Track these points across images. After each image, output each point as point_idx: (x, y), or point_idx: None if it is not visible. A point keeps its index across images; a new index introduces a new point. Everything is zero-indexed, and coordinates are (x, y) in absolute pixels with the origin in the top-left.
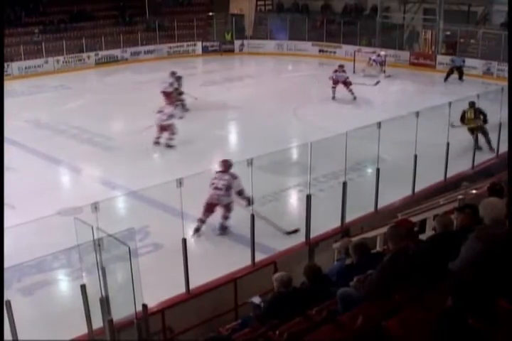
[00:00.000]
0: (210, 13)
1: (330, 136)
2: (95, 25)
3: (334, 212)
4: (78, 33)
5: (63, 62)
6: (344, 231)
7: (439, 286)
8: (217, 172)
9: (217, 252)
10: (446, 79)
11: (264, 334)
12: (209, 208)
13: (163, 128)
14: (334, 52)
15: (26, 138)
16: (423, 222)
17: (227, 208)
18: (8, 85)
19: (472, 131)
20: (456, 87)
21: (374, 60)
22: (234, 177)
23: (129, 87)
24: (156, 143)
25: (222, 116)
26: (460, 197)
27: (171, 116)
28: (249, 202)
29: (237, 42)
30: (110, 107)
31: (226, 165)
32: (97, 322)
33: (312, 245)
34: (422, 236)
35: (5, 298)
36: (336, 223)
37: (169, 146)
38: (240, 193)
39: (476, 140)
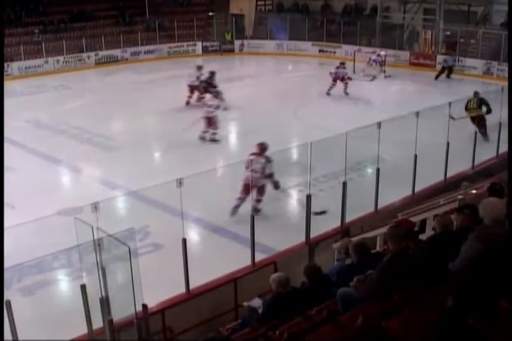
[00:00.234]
0: (210, 13)
1: (330, 136)
2: (95, 25)
3: (334, 212)
4: (78, 33)
5: (63, 62)
6: (344, 231)
7: (439, 286)
8: (252, 154)
9: (217, 252)
10: (436, 77)
11: (264, 334)
12: (246, 189)
13: (209, 122)
14: (334, 52)
15: (26, 138)
16: (423, 222)
17: (261, 191)
18: (8, 85)
19: (473, 119)
20: (456, 87)
21: (374, 60)
22: (269, 160)
23: (129, 87)
24: (202, 138)
25: (223, 116)
26: (460, 197)
27: (217, 108)
28: (277, 185)
29: (237, 42)
30: (110, 107)
31: (262, 148)
32: (97, 322)
33: (312, 245)
34: (422, 236)
35: (5, 298)
36: (336, 223)
37: (214, 141)
38: (271, 176)
39: (479, 128)
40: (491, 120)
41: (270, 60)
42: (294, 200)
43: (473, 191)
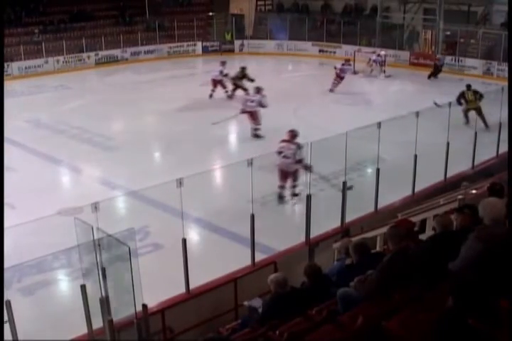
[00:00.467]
0: (210, 13)
1: (330, 136)
2: (95, 25)
3: (334, 212)
4: (78, 33)
5: (63, 62)
6: (344, 231)
7: (439, 286)
8: (282, 141)
9: (217, 252)
10: (429, 76)
11: (264, 334)
12: (283, 175)
13: (252, 117)
14: (334, 52)
15: (26, 138)
16: (423, 222)
17: (295, 176)
18: (8, 85)
19: (468, 110)
20: (456, 87)
21: (374, 60)
22: (299, 146)
23: (129, 86)
24: (256, 135)
25: (223, 116)
26: (460, 197)
27: (259, 103)
28: (309, 169)
29: (237, 42)
30: (110, 107)
31: (292, 135)
32: (97, 322)
33: (312, 245)
34: (422, 236)
35: (5, 298)
36: (336, 223)
37: (257, 136)
38: (301, 161)
39: (480, 117)
40: (491, 120)
41: (270, 60)
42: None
43: (473, 191)
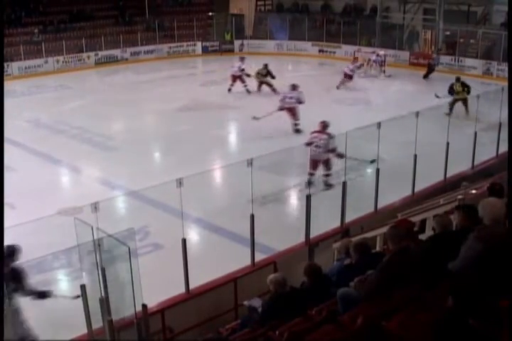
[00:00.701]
0: (210, 13)
1: None
2: (95, 25)
3: (334, 212)
4: (78, 33)
5: (63, 62)
6: (344, 231)
7: (439, 286)
8: (314, 131)
9: (217, 252)
10: (425, 76)
11: (264, 335)
12: (313, 164)
13: (292, 113)
14: (334, 52)
15: (26, 138)
16: (423, 222)
17: (327, 165)
18: (8, 85)
19: (455, 101)
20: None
21: (374, 61)
22: (331, 136)
23: (129, 87)
24: (297, 130)
25: (223, 116)
26: (460, 197)
27: (297, 99)
28: (342, 156)
29: (237, 42)
30: (110, 107)
31: (324, 126)
32: (97, 322)
33: (312, 245)
34: (422, 236)
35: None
36: (336, 223)
37: (298, 131)
38: (334, 150)
39: (465, 107)
40: (491, 120)
41: (270, 60)
42: (294, 200)
43: (473, 191)
